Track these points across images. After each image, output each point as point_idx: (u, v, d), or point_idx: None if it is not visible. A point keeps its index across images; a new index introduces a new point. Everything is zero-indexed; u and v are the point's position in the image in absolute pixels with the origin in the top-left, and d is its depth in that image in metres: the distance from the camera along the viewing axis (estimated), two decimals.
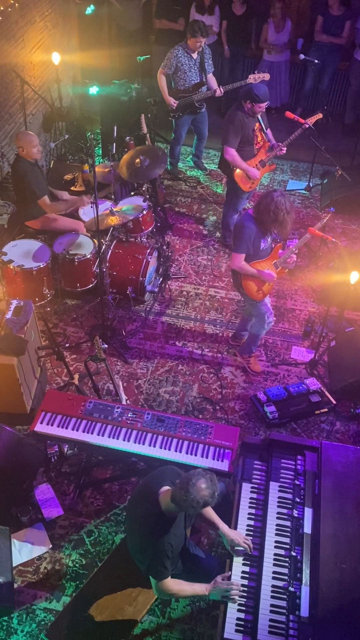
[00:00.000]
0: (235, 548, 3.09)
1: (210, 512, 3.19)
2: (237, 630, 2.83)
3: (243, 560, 3.09)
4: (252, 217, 4.23)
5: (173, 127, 6.83)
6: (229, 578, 2.99)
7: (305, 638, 2.71)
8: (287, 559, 3.02)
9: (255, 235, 4.23)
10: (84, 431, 3.75)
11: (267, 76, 5.96)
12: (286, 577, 2.95)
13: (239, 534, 3.11)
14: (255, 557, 3.08)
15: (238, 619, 2.87)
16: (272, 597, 2.89)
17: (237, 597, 2.90)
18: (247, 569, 3.06)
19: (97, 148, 7.38)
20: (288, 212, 4.08)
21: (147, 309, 5.52)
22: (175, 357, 5.10)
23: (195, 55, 6.26)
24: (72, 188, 6.25)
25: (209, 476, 2.80)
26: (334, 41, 7.56)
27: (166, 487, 2.89)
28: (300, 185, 7.25)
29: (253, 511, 3.28)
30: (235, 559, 3.08)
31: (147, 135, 6.52)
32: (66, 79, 7.55)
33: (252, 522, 3.23)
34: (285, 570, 2.98)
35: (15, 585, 3.62)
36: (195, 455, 3.61)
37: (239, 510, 3.27)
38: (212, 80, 6.47)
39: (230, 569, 3.04)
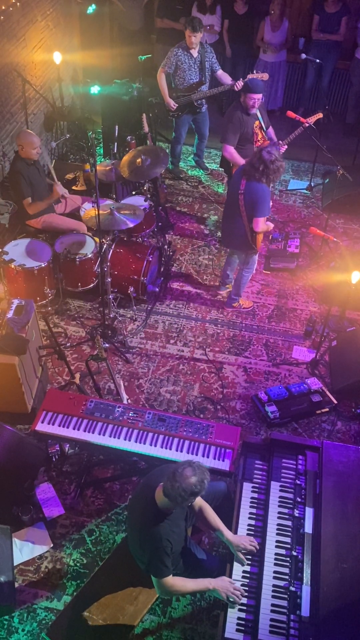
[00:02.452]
0: (242, 551, 3.08)
1: (214, 518, 3.18)
2: (237, 630, 2.82)
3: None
4: (262, 183, 4.57)
5: (173, 126, 6.83)
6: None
7: (306, 638, 2.71)
8: (288, 559, 3.02)
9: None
10: (85, 430, 3.75)
11: (265, 76, 5.96)
12: (287, 577, 2.95)
13: (244, 537, 3.10)
14: (256, 557, 3.08)
15: (239, 618, 2.87)
16: (273, 596, 2.89)
17: (239, 601, 2.89)
18: (248, 568, 3.05)
19: (98, 147, 7.39)
20: (282, 160, 4.56)
21: (149, 308, 5.52)
22: (177, 357, 5.10)
23: (195, 54, 6.25)
24: (74, 187, 6.26)
25: (195, 464, 2.80)
26: (331, 38, 7.56)
27: (162, 484, 2.89)
28: (302, 184, 7.25)
29: (254, 511, 3.28)
30: (236, 558, 3.08)
31: (149, 134, 6.52)
32: (67, 78, 7.55)
33: (253, 522, 3.23)
34: (286, 570, 2.98)
35: (17, 585, 3.62)
36: (196, 454, 3.61)
37: (240, 510, 3.27)
38: (223, 76, 6.40)
39: (231, 569, 3.04)
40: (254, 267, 5.24)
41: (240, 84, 6.13)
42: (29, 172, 5.20)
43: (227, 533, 3.13)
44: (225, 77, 6.40)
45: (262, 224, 4.73)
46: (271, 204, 4.94)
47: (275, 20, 7.51)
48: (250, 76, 5.94)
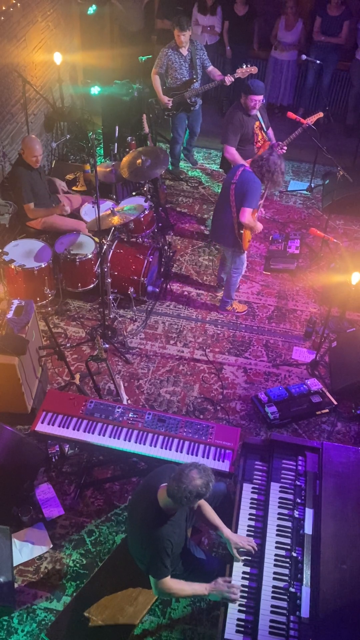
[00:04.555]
0: (240, 550, 3.08)
1: (213, 516, 3.18)
2: (237, 631, 2.82)
3: (244, 561, 3.08)
4: (256, 175, 4.64)
5: (170, 126, 6.83)
6: (229, 582, 2.99)
7: (306, 639, 2.71)
8: (288, 560, 3.02)
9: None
10: (85, 431, 3.75)
11: (254, 69, 5.99)
12: (287, 578, 2.95)
13: (243, 537, 3.10)
14: (256, 558, 3.08)
15: (239, 619, 2.87)
16: (273, 597, 2.88)
17: (237, 598, 2.90)
18: (247, 569, 3.05)
19: (98, 148, 7.39)
20: (283, 173, 4.64)
21: (148, 308, 5.52)
22: (176, 357, 5.10)
23: (185, 52, 6.26)
24: (74, 188, 6.27)
25: (201, 467, 2.81)
26: (333, 41, 7.58)
27: (164, 484, 2.90)
28: (302, 185, 7.25)
29: (254, 512, 3.27)
30: (235, 558, 3.08)
31: (149, 135, 6.53)
32: (68, 79, 7.55)
33: (252, 523, 3.23)
34: (286, 571, 2.98)
35: (16, 585, 3.62)
36: (196, 455, 3.61)
37: (240, 511, 3.26)
38: (214, 72, 6.41)
39: (231, 570, 3.04)
40: (242, 267, 5.22)
41: (229, 79, 6.15)
42: (31, 178, 5.22)
43: (226, 531, 3.13)
44: (215, 73, 6.41)
45: (249, 216, 4.69)
46: (261, 201, 5.02)
47: (290, 19, 7.54)
48: (238, 71, 5.96)
